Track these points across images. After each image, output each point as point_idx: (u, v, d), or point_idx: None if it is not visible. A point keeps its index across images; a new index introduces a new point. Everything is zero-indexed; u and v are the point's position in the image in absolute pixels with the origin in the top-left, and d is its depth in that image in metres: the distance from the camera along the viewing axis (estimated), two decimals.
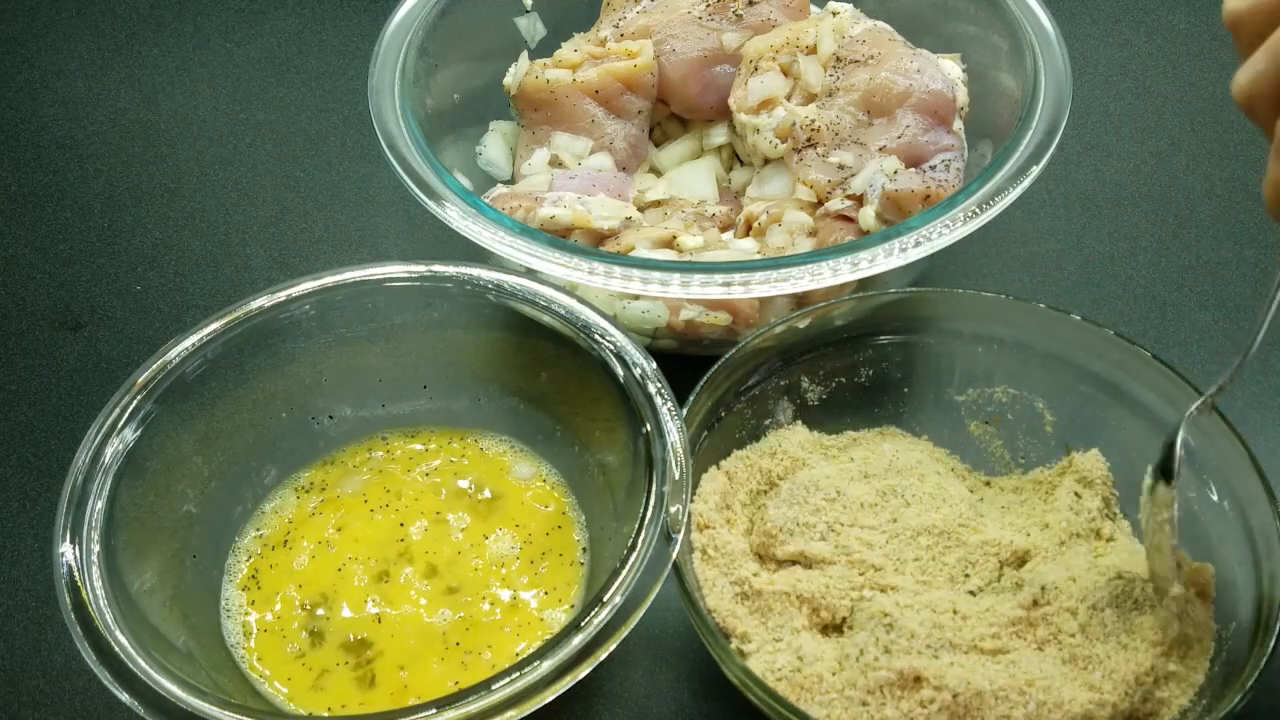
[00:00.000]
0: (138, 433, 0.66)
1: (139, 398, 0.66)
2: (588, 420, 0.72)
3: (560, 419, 0.73)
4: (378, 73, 0.85)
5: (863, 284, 0.76)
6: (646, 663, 0.70)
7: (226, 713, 0.55)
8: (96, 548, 0.61)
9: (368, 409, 0.76)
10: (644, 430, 0.64)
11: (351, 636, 0.66)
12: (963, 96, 0.86)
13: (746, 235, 0.84)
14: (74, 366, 0.88)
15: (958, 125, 0.84)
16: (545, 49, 0.96)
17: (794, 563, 0.66)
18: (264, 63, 1.14)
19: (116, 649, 0.57)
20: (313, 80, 1.12)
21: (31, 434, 0.84)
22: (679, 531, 0.60)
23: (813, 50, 0.87)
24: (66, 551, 0.60)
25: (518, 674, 0.55)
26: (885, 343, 0.74)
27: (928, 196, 0.78)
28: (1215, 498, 0.65)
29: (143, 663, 0.56)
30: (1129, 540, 0.68)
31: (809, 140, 0.83)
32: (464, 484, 0.73)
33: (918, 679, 0.59)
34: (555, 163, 0.88)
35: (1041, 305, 0.72)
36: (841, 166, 0.82)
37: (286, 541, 0.70)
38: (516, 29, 0.97)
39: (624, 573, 0.58)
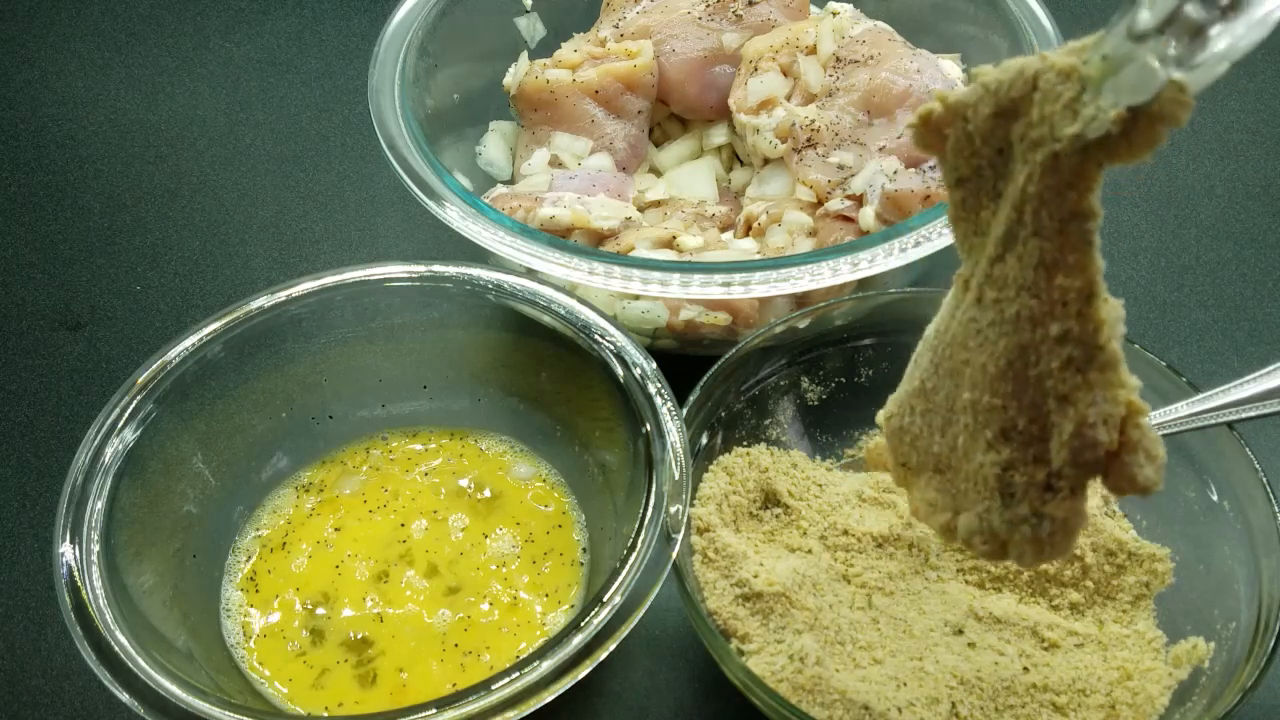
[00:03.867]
0: (138, 433, 0.66)
1: (139, 398, 0.66)
2: (588, 420, 0.72)
3: (560, 419, 0.73)
4: (378, 73, 0.85)
5: (863, 284, 0.76)
6: (646, 663, 0.70)
7: (226, 713, 0.55)
8: (96, 548, 0.61)
9: (368, 409, 0.76)
10: (644, 430, 0.64)
11: (353, 635, 0.66)
12: None
13: (746, 235, 0.84)
14: (74, 366, 0.88)
15: None
16: (545, 49, 0.96)
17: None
18: (264, 63, 1.14)
19: (116, 649, 0.57)
20: (313, 80, 1.12)
21: (31, 434, 0.84)
22: (679, 532, 0.60)
23: (813, 50, 0.87)
24: (66, 551, 0.60)
25: (517, 674, 0.55)
26: (885, 343, 0.74)
27: (928, 196, 0.78)
28: (1215, 498, 0.65)
29: (143, 663, 0.56)
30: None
31: (809, 140, 0.83)
32: (464, 484, 0.73)
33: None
34: (555, 163, 0.88)
35: None
36: (841, 166, 0.82)
37: (285, 543, 0.70)
38: (516, 29, 0.97)
39: (624, 573, 0.58)
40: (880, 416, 0.56)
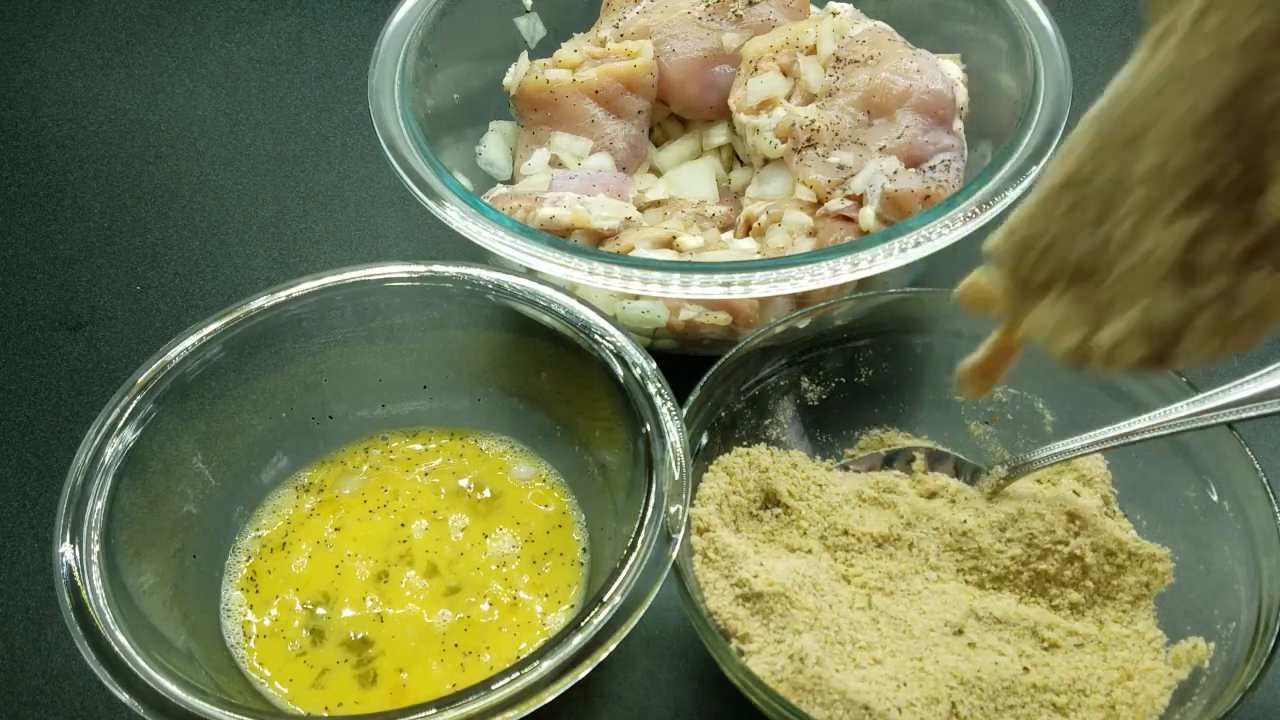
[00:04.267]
0: (138, 433, 0.66)
1: (139, 398, 0.66)
2: (588, 420, 0.72)
3: (560, 419, 0.73)
4: (378, 73, 0.85)
5: (863, 284, 0.76)
6: (646, 663, 0.70)
7: (226, 713, 0.55)
8: (96, 548, 0.61)
9: (368, 409, 0.76)
10: (644, 430, 0.64)
11: (353, 635, 0.66)
12: (963, 96, 0.86)
13: (746, 235, 0.84)
14: (74, 366, 0.88)
15: (958, 125, 0.84)
16: (545, 49, 0.96)
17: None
18: (264, 63, 1.14)
19: (116, 649, 0.57)
20: (313, 80, 1.12)
21: (31, 434, 0.84)
22: (678, 532, 0.60)
23: (813, 50, 0.87)
24: (66, 551, 0.60)
25: (518, 674, 0.55)
26: (885, 343, 0.74)
27: (928, 197, 0.78)
28: (1215, 498, 0.65)
29: (143, 663, 0.56)
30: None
31: (809, 140, 0.83)
32: (464, 484, 0.73)
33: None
34: (555, 163, 0.88)
35: None
36: (841, 166, 0.82)
37: (285, 543, 0.70)
38: (516, 29, 0.97)
39: (624, 573, 0.58)
40: (989, 243, 0.51)
